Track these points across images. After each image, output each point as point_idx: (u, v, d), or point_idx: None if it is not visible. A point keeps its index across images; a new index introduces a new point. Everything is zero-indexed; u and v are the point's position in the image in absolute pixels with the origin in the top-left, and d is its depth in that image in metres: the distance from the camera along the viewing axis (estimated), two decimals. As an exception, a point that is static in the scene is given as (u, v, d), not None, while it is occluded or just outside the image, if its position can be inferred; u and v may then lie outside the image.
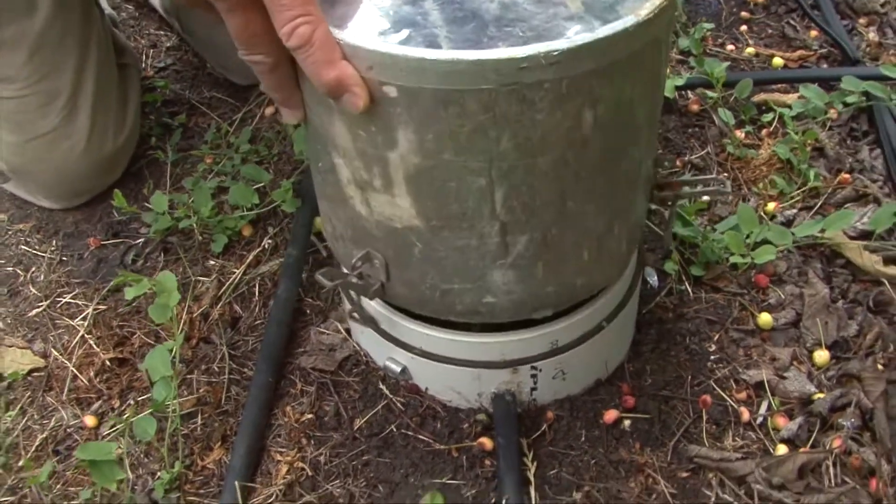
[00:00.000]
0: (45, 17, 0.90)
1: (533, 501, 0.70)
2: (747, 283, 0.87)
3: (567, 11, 0.55)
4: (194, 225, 0.96)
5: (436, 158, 0.57)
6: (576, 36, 0.52)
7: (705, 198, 0.93)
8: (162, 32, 1.26)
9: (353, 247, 0.68)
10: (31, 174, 0.98)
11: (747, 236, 0.87)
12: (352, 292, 0.71)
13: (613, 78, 0.55)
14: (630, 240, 0.71)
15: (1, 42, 0.89)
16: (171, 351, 0.75)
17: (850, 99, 0.99)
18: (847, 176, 0.96)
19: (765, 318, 0.84)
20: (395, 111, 0.55)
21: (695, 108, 1.05)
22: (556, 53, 0.51)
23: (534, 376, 0.74)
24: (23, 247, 1.01)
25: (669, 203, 0.76)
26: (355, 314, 0.75)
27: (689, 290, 0.87)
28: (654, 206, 0.77)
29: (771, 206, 0.93)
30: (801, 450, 0.73)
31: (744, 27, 1.18)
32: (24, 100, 0.92)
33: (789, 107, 1.01)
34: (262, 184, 0.98)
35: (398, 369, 0.77)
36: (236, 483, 0.71)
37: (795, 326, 0.84)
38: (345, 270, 0.70)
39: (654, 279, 0.88)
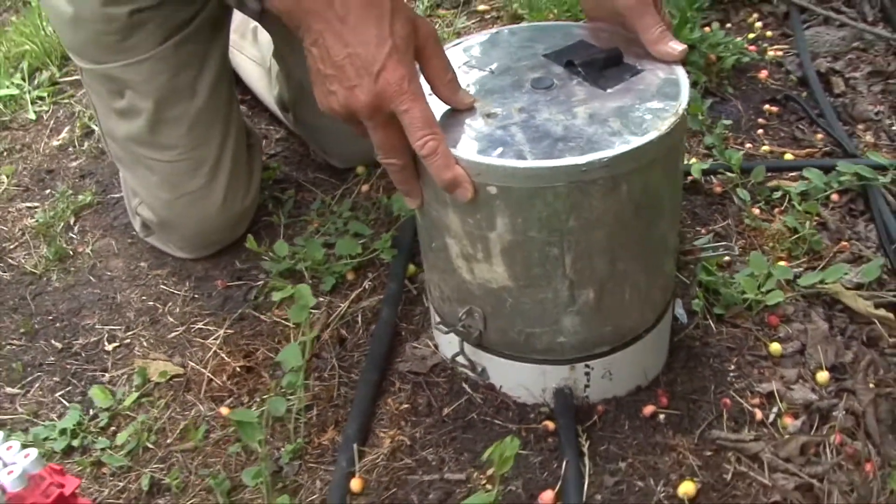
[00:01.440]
0: (202, 101, 1.15)
1: (587, 467, 0.88)
2: (761, 321, 1.06)
3: (611, 129, 0.79)
4: (305, 270, 1.17)
5: (524, 235, 0.81)
6: (619, 146, 0.77)
7: (726, 258, 1.14)
8: (272, 127, 1.51)
9: (458, 306, 0.91)
10: (176, 226, 1.21)
11: (759, 285, 1.07)
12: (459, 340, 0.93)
13: (646, 173, 0.80)
14: (664, 290, 0.94)
15: (168, 118, 1.14)
16: (301, 346, 0.96)
17: (844, 178, 1.20)
18: (846, 243, 1.16)
19: (775, 347, 1.02)
20: (495, 203, 0.80)
21: (718, 189, 1.26)
22: (605, 159, 0.76)
23: (587, 374, 0.93)
24: (161, 286, 1.23)
25: (692, 265, 0.98)
26: (458, 358, 0.95)
27: (713, 325, 1.06)
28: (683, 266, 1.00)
29: (781, 264, 1.13)
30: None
31: (760, 130, 1.40)
32: (179, 164, 1.16)
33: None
34: (363, 239, 1.20)
35: (479, 370, 0.96)
36: (354, 446, 0.90)
37: (801, 354, 1.02)
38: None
39: (683, 316, 1.07)
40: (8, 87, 1.65)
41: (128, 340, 1.14)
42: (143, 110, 1.12)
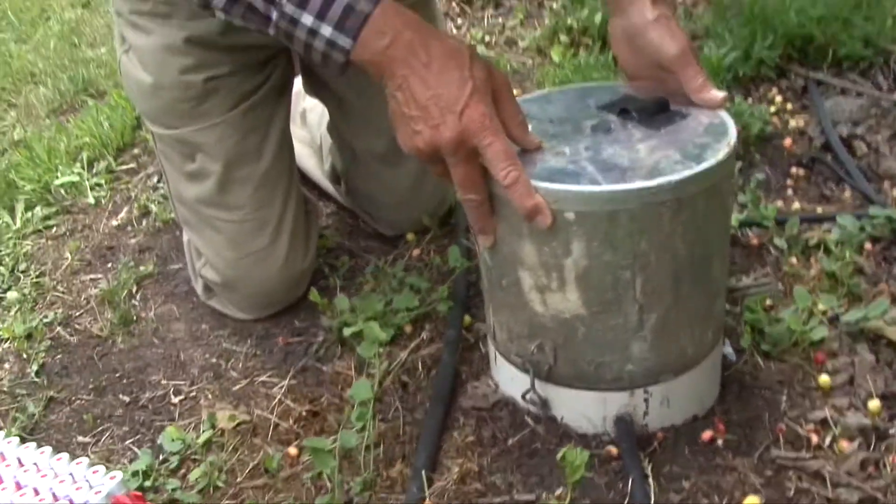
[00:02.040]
0: (267, 163, 1.23)
1: (652, 487, 0.90)
2: (807, 358, 1.10)
3: (672, 159, 0.87)
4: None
5: (598, 260, 0.87)
6: (684, 171, 0.84)
7: (768, 301, 1.18)
8: (322, 202, 1.59)
9: (528, 342, 0.96)
10: (239, 286, 1.26)
11: (804, 322, 1.11)
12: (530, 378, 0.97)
13: (706, 197, 0.87)
14: (718, 318, 0.99)
15: (236, 179, 1.21)
16: (371, 380, 1.00)
17: (876, 221, 1.26)
18: (884, 285, 1.21)
19: (824, 380, 1.05)
20: (571, 229, 0.86)
21: (754, 242, 1.32)
22: (673, 182, 0.83)
23: (646, 400, 0.97)
24: (223, 345, 1.28)
25: (738, 303, 1.04)
26: (528, 395, 0.99)
27: (761, 362, 1.09)
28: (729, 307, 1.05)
29: (821, 306, 1.17)
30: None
31: (789, 191, 1.47)
32: (245, 224, 1.23)
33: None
34: (419, 294, 1.25)
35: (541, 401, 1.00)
36: (423, 472, 0.93)
37: (850, 384, 1.05)
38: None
39: (731, 354, 1.11)
40: (69, 174, 1.74)
41: (193, 393, 1.19)
42: (212, 172, 1.20)
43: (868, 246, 1.29)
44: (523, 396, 1.00)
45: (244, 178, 1.22)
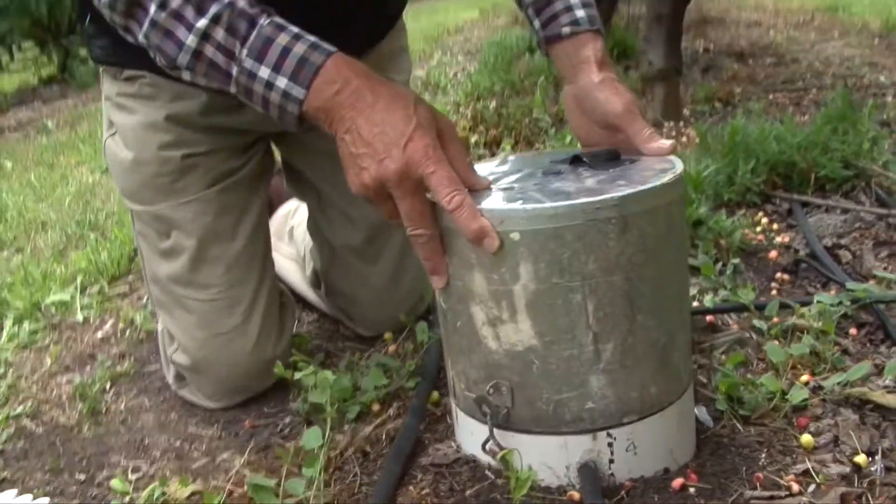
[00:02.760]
0: (241, 244, 1.24)
1: (616, 527, 0.84)
2: (789, 423, 1.05)
3: (618, 185, 0.88)
4: (327, 403, 1.17)
5: (547, 283, 0.87)
6: (627, 190, 0.85)
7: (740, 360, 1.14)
8: (305, 312, 1.59)
9: (485, 384, 0.93)
10: (209, 368, 1.24)
11: (781, 394, 1.07)
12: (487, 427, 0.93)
13: (653, 217, 0.87)
14: (683, 362, 0.96)
15: (208, 257, 1.22)
16: (322, 427, 0.96)
17: (855, 293, 1.23)
18: (868, 360, 1.17)
19: (806, 439, 1.00)
20: (518, 251, 0.86)
21: (734, 327, 1.29)
22: (616, 198, 0.84)
23: (610, 445, 0.92)
24: (189, 430, 1.24)
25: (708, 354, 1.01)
26: (488, 445, 0.94)
27: (739, 426, 1.04)
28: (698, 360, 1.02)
29: (804, 377, 1.13)
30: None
31: (773, 292, 1.45)
32: (215, 303, 1.23)
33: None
34: (388, 373, 1.23)
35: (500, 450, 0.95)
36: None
37: (835, 444, 1.00)
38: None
39: (708, 421, 1.06)
40: (61, 294, 1.76)
41: (152, 472, 1.14)
42: (186, 249, 1.21)
43: (853, 331, 1.26)
44: (483, 447, 0.95)
45: (217, 257, 1.23)
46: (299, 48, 0.89)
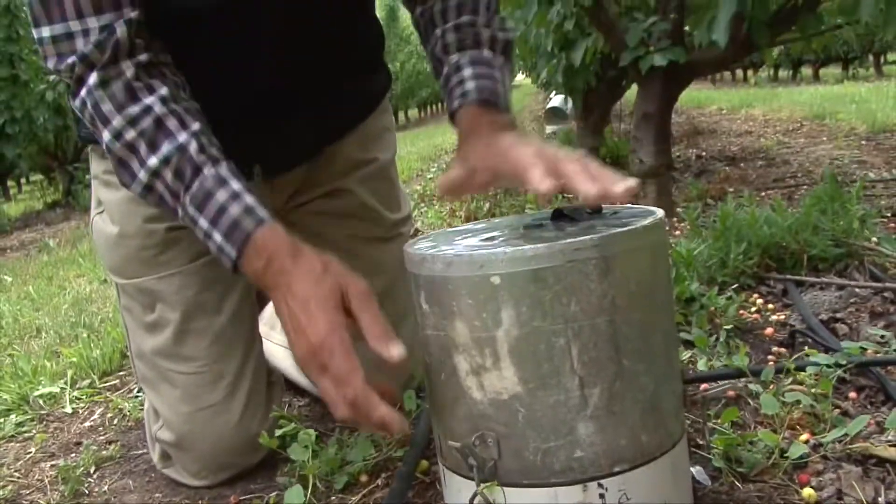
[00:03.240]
0: (226, 318, 1.23)
1: (609, 575, 0.80)
2: (790, 479, 1.01)
3: (599, 230, 0.88)
4: (312, 475, 1.14)
5: (529, 326, 0.86)
6: (607, 231, 0.85)
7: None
8: (296, 398, 1.56)
9: (470, 437, 0.90)
10: (193, 444, 1.21)
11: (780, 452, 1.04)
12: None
13: (634, 258, 0.86)
14: (674, 411, 0.93)
15: (193, 330, 1.21)
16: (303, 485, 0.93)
17: (849, 350, 1.21)
18: (871, 421, 1.14)
19: (809, 492, 0.96)
20: (499, 294, 0.85)
21: (730, 394, 1.27)
22: (596, 238, 0.84)
23: (602, 496, 0.88)
24: (174, 510, 1.20)
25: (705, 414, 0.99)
26: (474, 501, 0.91)
27: (738, 483, 1.01)
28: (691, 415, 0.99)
29: (804, 437, 1.10)
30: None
31: (770, 363, 1.43)
32: (200, 376, 1.21)
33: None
34: (377, 445, 1.20)
35: (490, 506, 0.91)
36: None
37: (839, 497, 0.96)
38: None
39: (706, 480, 1.02)
40: (50, 387, 1.73)
41: (131, 549, 1.10)
42: (170, 321, 1.20)
43: (852, 394, 1.23)
44: (471, 501, 0.92)
45: (201, 330, 1.22)
46: (235, 210, 0.94)
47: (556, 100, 6.48)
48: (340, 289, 0.91)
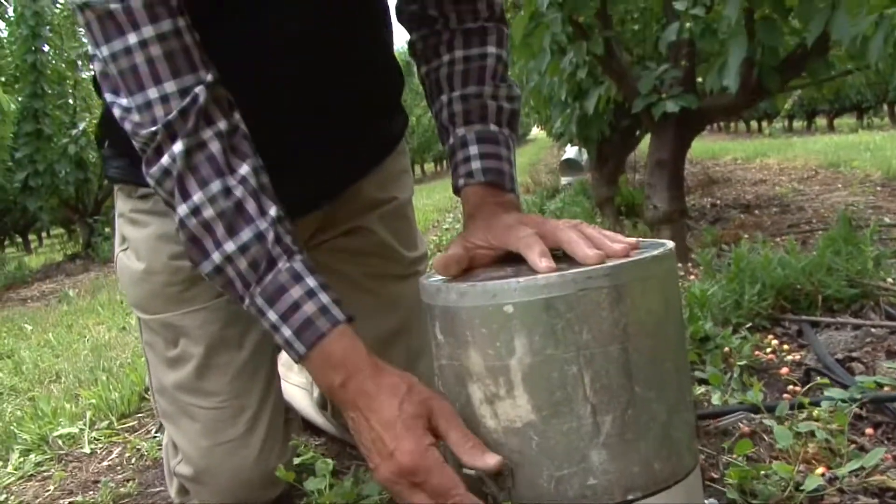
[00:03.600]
0: (248, 353, 1.25)
1: None
2: (807, 511, 1.02)
3: (612, 260, 0.89)
4: (326, 488, 1.14)
5: (542, 354, 0.87)
6: (617, 262, 0.87)
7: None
8: (314, 437, 1.57)
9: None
10: (211, 478, 1.22)
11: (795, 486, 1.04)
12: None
13: (645, 288, 0.88)
14: (687, 439, 0.93)
15: (215, 365, 1.23)
16: None
17: (865, 384, 1.21)
18: (888, 455, 1.14)
19: (825, 523, 0.97)
20: (512, 323, 0.87)
21: (745, 429, 1.27)
22: (607, 267, 0.86)
23: (615, 525, 0.89)
24: (191, 546, 1.21)
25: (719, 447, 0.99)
26: None
27: (755, 515, 1.01)
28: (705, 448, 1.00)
29: (819, 470, 1.10)
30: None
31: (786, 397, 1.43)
32: (220, 411, 1.22)
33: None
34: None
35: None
36: None
37: (855, 528, 0.96)
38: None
39: (719, 512, 1.03)
40: (69, 427, 1.75)
41: (148, 583, 1.10)
42: (193, 356, 1.22)
43: (869, 430, 1.23)
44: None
45: (223, 365, 1.23)
46: (309, 308, 0.93)
47: (571, 151, 6.55)
48: (426, 409, 0.91)
